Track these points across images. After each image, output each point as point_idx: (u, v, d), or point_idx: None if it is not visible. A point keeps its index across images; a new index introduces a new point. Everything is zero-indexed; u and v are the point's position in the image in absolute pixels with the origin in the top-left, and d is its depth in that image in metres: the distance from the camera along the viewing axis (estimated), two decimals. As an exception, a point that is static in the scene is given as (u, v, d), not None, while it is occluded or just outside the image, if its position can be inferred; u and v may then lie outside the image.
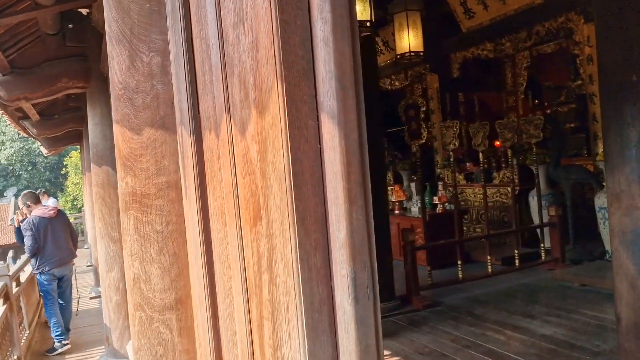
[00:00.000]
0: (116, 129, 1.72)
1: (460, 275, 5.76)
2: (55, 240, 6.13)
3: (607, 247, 6.00)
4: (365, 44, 4.95)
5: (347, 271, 0.87)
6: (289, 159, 0.88)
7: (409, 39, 7.33)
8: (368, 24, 4.47)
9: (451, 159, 5.72)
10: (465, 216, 7.81)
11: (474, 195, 8.11)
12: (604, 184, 6.31)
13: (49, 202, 7.32)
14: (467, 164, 8.68)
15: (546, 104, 9.56)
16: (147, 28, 1.68)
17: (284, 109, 0.88)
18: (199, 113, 1.48)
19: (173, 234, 1.65)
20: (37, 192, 7.54)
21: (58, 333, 6.21)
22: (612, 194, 2.48)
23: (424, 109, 5.24)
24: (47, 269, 6.10)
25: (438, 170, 9.23)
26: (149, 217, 1.66)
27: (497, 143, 8.03)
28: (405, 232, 5.39)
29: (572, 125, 8.48)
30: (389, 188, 9.11)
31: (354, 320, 0.87)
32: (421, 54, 7.39)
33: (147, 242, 1.66)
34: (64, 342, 6.23)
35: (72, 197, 25.67)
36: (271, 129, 0.92)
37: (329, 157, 0.90)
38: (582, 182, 6.70)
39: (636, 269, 2.33)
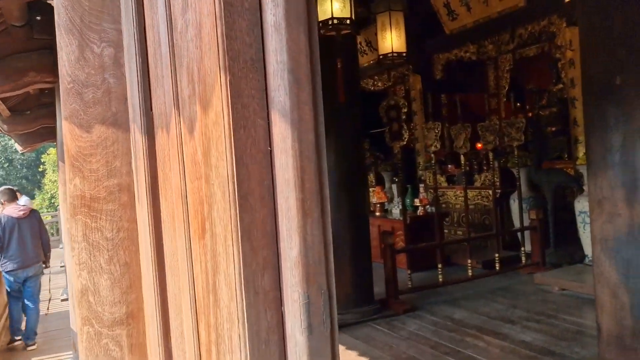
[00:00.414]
0: (65, 125, 1.58)
1: (441, 279, 5.68)
2: (21, 241, 5.96)
3: (587, 251, 5.98)
4: (346, 43, 4.85)
5: (300, 295, 0.75)
6: (232, 163, 0.76)
7: (392, 40, 7.24)
8: (348, 21, 4.35)
9: (433, 161, 5.63)
10: (447, 219, 7.75)
11: (456, 198, 8.06)
12: (585, 187, 6.30)
13: (21, 201, 7.07)
14: (449, 166, 8.63)
15: (528, 107, 9.57)
16: (99, 16, 1.54)
17: (228, 104, 0.75)
18: (151, 110, 1.34)
19: (124, 242, 1.52)
20: (14, 189, 7.30)
21: (14, 329, 6.27)
22: (594, 200, 2.40)
23: (406, 110, 5.16)
24: (9, 268, 5.95)
25: (420, 172, 9.16)
26: (99, 222, 1.52)
27: (479, 145, 7.99)
28: (386, 235, 5.30)
29: (554, 128, 8.48)
30: (371, 189, 9.03)
31: (306, 353, 0.74)
32: (404, 54, 7.30)
33: (96, 251, 1.52)
34: (29, 343, 6.14)
35: (49, 195, 25.17)
36: (214, 128, 0.79)
37: (280, 162, 0.78)
38: (563, 186, 6.68)
39: (619, 278, 2.25)
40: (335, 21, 3.25)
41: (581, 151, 6.58)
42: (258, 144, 0.78)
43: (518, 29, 7.66)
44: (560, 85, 8.66)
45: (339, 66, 3.75)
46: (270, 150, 0.79)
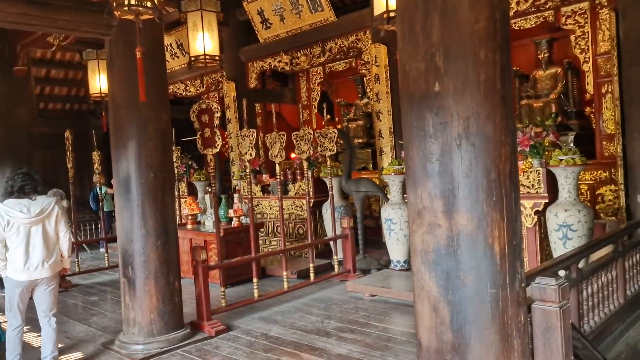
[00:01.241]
0: None
1: (257, 294, 5.41)
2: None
3: (392, 256, 6.31)
4: (149, 31, 4.30)
5: None
6: None
7: (204, 41, 6.83)
8: (149, 3, 3.80)
9: (248, 170, 5.36)
10: (262, 229, 7.57)
11: (270, 208, 7.94)
12: (389, 196, 6.67)
13: None
14: (264, 175, 8.50)
15: (337, 119, 9.98)
16: None
17: None
18: None
19: None
20: None
21: None
22: (414, 211, 2.33)
23: (219, 114, 4.79)
24: None
25: (234, 182, 8.86)
26: None
27: (293, 155, 8.01)
28: (197, 251, 4.84)
29: (360, 140, 8.94)
30: (183, 200, 8.43)
31: None
32: (217, 58, 6.94)
33: None
34: None
35: None
36: None
37: None
38: (370, 195, 6.99)
39: (439, 291, 2.19)
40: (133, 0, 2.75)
41: (386, 161, 6.97)
42: None
43: (328, 42, 7.89)
44: (366, 100, 9.20)
45: (138, 56, 3.21)
46: None
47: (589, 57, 6.31)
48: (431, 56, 2.26)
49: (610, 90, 6.16)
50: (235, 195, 6.94)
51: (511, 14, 5.97)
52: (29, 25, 4.29)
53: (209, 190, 7.30)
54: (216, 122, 4.85)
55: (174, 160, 8.93)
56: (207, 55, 6.82)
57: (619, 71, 5.13)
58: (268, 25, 8.50)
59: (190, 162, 9.35)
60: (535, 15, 6.66)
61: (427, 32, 2.28)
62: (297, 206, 7.55)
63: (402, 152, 6.20)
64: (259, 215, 8.03)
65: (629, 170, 5.15)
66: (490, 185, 2.16)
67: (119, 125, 4.38)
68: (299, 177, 7.81)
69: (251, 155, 5.14)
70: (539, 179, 5.08)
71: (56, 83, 12.28)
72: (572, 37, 6.42)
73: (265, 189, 8.12)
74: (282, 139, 5.42)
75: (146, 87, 4.27)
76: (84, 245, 9.50)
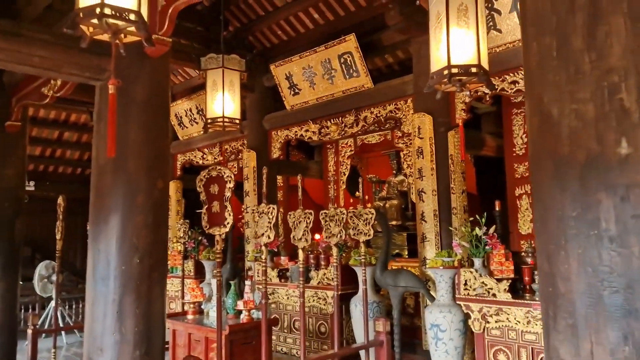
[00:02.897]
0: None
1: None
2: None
3: (438, 371, 5.01)
4: (151, 84, 3.42)
5: None
6: None
7: (224, 102, 6.01)
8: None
9: (264, 256, 4.27)
10: (276, 325, 6.34)
11: (288, 297, 6.74)
12: (434, 294, 5.48)
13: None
14: (282, 257, 7.38)
15: (367, 197, 8.94)
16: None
17: None
18: None
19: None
20: None
21: None
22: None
23: (231, 184, 3.79)
24: None
25: (248, 263, 7.74)
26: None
27: (318, 237, 6.92)
28: (191, 360, 3.68)
29: (394, 222, 7.83)
30: (188, 281, 7.30)
31: None
32: (237, 122, 6.10)
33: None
34: None
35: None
36: None
37: None
38: (411, 291, 5.79)
39: None
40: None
41: (429, 250, 5.82)
42: None
43: (363, 111, 7.02)
44: (401, 177, 8.19)
45: (111, 91, 2.25)
46: None
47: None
48: (610, 91, 1.22)
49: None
50: (247, 283, 5.80)
51: None
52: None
53: (217, 272, 6.18)
54: (227, 194, 3.85)
55: (182, 235, 7.91)
56: (226, 118, 6.00)
57: None
58: (296, 91, 7.73)
59: (200, 238, 8.32)
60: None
61: (600, 48, 1.25)
62: (319, 298, 6.35)
63: (455, 241, 5.06)
64: (273, 306, 6.83)
65: None
66: None
67: (100, 193, 3.39)
68: (323, 263, 6.67)
69: (269, 237, 4.08)
70: None
71: (62, 145, 11.71)
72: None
73: (282, 274, 6.97)
74: (308, 218, 4.37)
75: (140, 144, 3.32)
76: (75, 330, 8.35)
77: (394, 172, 8.30)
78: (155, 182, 3.52)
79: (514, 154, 6.50)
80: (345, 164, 8.60)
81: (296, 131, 8.00)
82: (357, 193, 9.09)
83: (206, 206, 3.93)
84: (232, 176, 3.87)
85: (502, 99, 6.60)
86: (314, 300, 6.43)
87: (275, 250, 7.22)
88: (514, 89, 5.50)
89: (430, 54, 3.96)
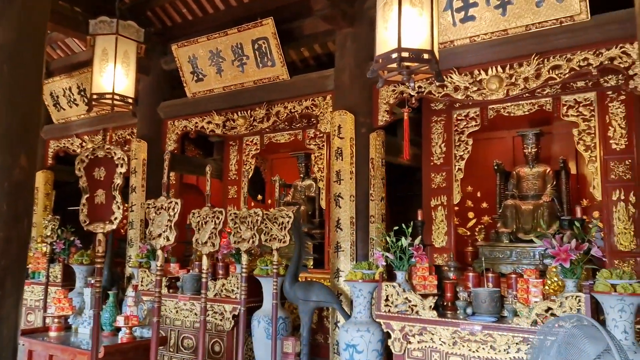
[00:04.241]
0: None
1: None
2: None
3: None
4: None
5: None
6: None
7: (115, 76, 5.03)
8: None
9: (159, 262, 3.41)
10: (163, 346, 5.41)
11: (177, 311, 5.82)
12: (348, 311, 4.94)
13: None
14: (172, 264, 6.43)
15: (269, 201, 8.27)
16: None
17: None
18: None
19: None
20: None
21: None
22: None
23: (123, 169, 2.93)
24: None
25: (129, 270, 6.67)
26: None
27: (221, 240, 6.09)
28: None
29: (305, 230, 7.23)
30: (53, 290, 6.13)
31: None
32: (130, 101, 5.14)
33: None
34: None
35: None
36: None
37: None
38: (323, 306, 5.19)
39: None
40: None
41: (343, 260, 5.27)
42: None
43: (276, 105, 6.36)
44: (310, 181, 7.65)
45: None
46: None
47: (595, 156, 5.27)
48: None
49: (623, 197, 5.09)
50: (129, 293, 4.82)
51: (499, 96, 4.83)
52: None
53: (91, 281, 5.12)
54: (118, 181, 2.98)
55: (49, 234, 6.65)
56: (117, 95, 5.03)
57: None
58: (200, 77, 6.86)
59: (72, 238, 7.07)
60: (529, 101, 5.64)
61: None
62: (215, 312, 5.53)
63: (377, 251, 4.56)
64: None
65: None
66: None
67: None
68: (221, 272, 5.86)
69: (168, 239, 3.25)
70: (578, 308, 3.63)
71: None
72: (575, 132, 5.41)
73: (172, 284, 6.03)
74: (218, 218, 3.60)
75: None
76: None
77: (302, 175, 7.73)
78: (17, 158, 2.54)
79: (432, 163, 6.23)
80: (249, 163, 7.86)
81: (197, 122, 7.10)
82: (259, 197, 8.42)
83: (87, 195, 3.01)
84: (126, 159, 3.01)
85: (422, 106, 6.31)
86: (209, 315, 5.58)
87: (166, 256, 6.24)
88: (442, 93, 5.19)
89: (375, 34, 3.44)
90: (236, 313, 5.34)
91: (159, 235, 3.27)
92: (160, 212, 3.29)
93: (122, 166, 2.99)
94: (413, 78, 3.45)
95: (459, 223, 6.16)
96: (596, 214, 5.36)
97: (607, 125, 5.21)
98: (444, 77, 4.99)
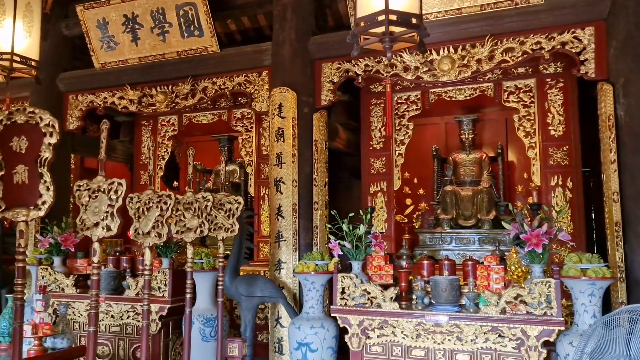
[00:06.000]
0: None
1: None
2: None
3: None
4: None
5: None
6: None
7: (14, 33, 4.12)
8: None
9: (97, 249, 2.74)
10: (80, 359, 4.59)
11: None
12: (296, 306, 4.52)
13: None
14: (79, 260, 5.56)
15: (187, 189, 7.52)
16: None
17: None
18: None
19: None
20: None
21: None
22: None
23: (54, 139, 2.27)
24: None
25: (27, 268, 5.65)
26: None
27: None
28: None
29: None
30: None
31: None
32: (33, 64, 4.25)
33: None
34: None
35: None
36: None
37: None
38: (268, 302, 4.69)
39: None
40: None
41: (285, 251, 4.84)
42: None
43: (203, 80, 5.71)
44: (234, 167, 7.08)
45: None
46: None
47: (535, 142, 5.33)
48: None
49: (561, 182, 5.20)
50: (37, 296, 3.98)
51: (450, 78, 4.69)
52: None
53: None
54: (46, 154, 2.30)
55: None
56: (17, 55, 4.15)
57: (618, 158, 4.06)
58: (112, 45, 5.98)
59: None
60: (471, 86, 5.58)
61: None
62: (137, 314, 4.82)
63: (333, 240, 4.18)
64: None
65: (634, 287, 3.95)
66: None
67: None
68: (142, 267, 5.13)
69: (109, 228, 2.59)
70: (547, 294, 3.54)
71: None
72: (516, 117, 5.43)
73: (81, 282, 5.19)
74: (165, 203, 2.99)
75: None
76: None
77: (224, 160, 7.10)
78: None
79: (371, 148, 5.97)
80: (165, 145, 7.07)
81: (106, 98, 6.21)
82: (175, 183, 7.64)
83: (1, 172, 2.29)
84: (57, 125, 2.32)
85: (360, 88, 6.01)
86: (128, 317, 4.85)
87: (70, 249, 5.36)
88: (391, 73, 4.92)
89: (356, -6, 3.04)
90: (163, 314, 4.70)
91: (96, 224, 2.60)
92: (97, 196, 2.63)
93: (51, 135, 2.30)
94: (393, 47, 3.10)
95: (396, 210, 5.97)
96: (531, 199, 5.44)
97: (546, 111, 5.28)
98: (392, 55, 4.73)
